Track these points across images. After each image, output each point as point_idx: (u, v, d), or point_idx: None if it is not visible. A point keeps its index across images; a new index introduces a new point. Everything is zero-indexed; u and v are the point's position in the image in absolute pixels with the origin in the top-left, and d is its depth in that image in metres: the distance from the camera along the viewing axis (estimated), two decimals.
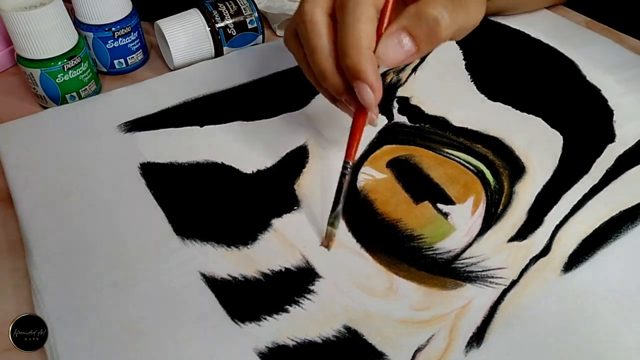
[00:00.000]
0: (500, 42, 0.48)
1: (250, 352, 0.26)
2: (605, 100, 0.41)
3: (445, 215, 0.33)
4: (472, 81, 0.44)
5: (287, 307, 0.28)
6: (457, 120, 0.40)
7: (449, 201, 0.34)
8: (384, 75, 0.44)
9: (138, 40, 0.44)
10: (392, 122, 0.40)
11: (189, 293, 0.28)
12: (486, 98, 0.42)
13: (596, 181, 0.35)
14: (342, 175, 0.30)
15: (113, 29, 0.42)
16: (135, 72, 0.46)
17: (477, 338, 0.27)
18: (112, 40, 0.42)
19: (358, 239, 0.31)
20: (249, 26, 0.45)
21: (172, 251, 0.30)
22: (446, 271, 0.30)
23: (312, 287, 0.29)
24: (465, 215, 0.33)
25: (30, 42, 0.37)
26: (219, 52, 0.45)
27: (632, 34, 0.49)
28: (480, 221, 0.33)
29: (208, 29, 0.44)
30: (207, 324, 0.27)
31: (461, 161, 0.36)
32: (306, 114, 0.40)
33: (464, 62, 0.45)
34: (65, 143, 0.37)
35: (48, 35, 0.37)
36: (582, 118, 0.40)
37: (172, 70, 0.45)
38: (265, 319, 0.27)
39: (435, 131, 0.39)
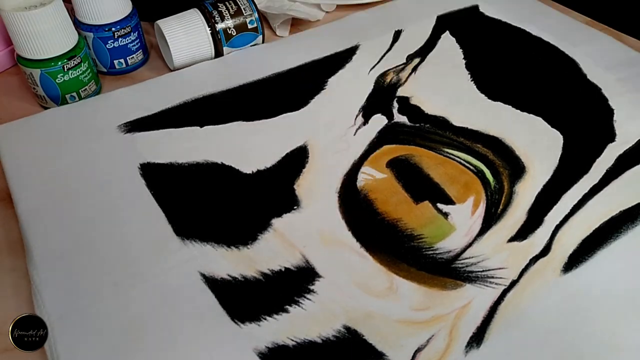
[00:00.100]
0: (500, 41, 0.48)
1: (250, 352, 0.26)
2: (606, 99, 0.41)
3: (445, 215, 0.33)
4: (472, 81, 0.43)
5: (287, 307, 0.28)
6: (457, 120, 0.40)
7: (449, 201, 0.34)
8: (384, 75, 0.44)
9: (138, 41, 0.44)
10: (392, 122, 0.40)
11: (189, 293, 0.28)
12: (486, 98, 0.42)
13: (596, 181, 0.35)
14: None
15: (113, 29, 0.42)
16: (135, 72, 0.46)
17: (477, 338, 0.27)
18: (112, 41, 0.42)
19: (358, 239, 0.31)
20: (249, 26, 0.45)
21: (172, 251, 0.30)
22: (446, 271, 0.30)
23: (312, 287, 0.29)
24: (465, 215, 0.33)
25: (30, 42, 0.37)
26: (219, 53, 0.45)
27: (632, 34, 0.49)
28: (480, 221, 0.33)
29: (208, 29, 0.44)
30: (207, 324, 0.27)
31: (461, 161, 0.36)
32: (306, 114, 0.40)
33: (464, 62, 0.45)
34: (65, 143, 0.37)
35: (48, 35, 0.37)
36: (582, 117, 0.40)
37: (172, 71, 0.45)
38: (265, 319, 0.27)
39: (435, 131, 0.39)
